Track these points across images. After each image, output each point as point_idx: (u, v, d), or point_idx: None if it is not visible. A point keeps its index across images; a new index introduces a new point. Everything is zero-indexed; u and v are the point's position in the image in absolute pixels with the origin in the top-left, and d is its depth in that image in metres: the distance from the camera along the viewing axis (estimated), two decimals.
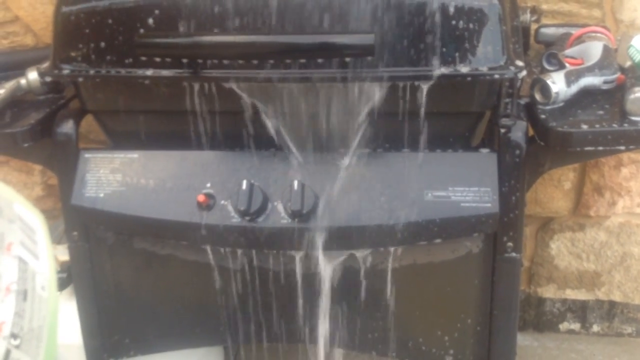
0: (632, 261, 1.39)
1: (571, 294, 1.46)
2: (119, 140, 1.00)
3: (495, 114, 0.90)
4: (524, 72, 0.85)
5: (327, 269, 0.95)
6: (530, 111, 0.91)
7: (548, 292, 1.46)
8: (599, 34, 1.00)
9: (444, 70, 0.84)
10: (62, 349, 1.15)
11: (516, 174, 0.90)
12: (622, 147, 0.87)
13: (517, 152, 0.89)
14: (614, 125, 0.86)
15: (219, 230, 0.92)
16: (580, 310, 1.48)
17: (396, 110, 0.88)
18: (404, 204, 0.90)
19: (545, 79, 0.89)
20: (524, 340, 1.48)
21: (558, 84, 0.89)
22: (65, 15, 0.88)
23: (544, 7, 1.20)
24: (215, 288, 1.01)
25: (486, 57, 0.84)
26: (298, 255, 0.96)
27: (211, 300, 1.02)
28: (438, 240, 0.92)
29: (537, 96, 0.91)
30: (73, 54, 0.89)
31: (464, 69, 0.84)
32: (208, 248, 0.96)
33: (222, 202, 0.92)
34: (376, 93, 0.86)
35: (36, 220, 0.65)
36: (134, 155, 0.95)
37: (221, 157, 0.94)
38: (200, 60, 0.85)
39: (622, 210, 1.35)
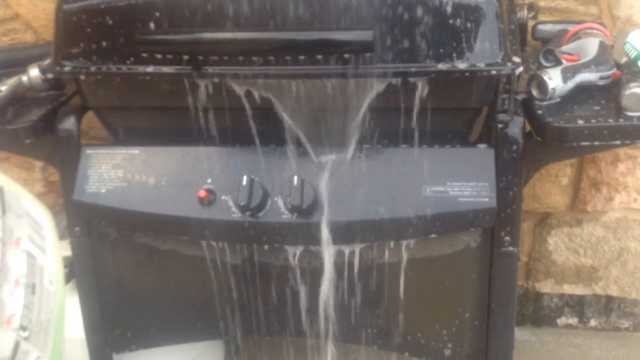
0: (629, 256, 1.40)
1: (569, 289, 1.47)
2: (121, 136, 1.00)
3: (493, 110, 0.91)
4: (521, 69, 0.86)
5: (326, 263, 0.96)
6: (527, 107, 0.92)
7: (546, 287, 1.47)
8: (595, 31, 1.01)
9: (441, 66, 0.84)
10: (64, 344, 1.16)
11: (513, 169, 0.91)
12: (618, 142, 0.87)
13: (514, 147, 0.90)
14: (610, 120, 0.87)
15: (220, 225, 0.93)
16: (578, 305, 1.49)
17: (394, 106, 0.88)
18: (403, 198, 0.91)
19: (542, 75, 0.90)
20: (522, 335, 1.49)
21: (555, 80, 0.90)
22: (67, 13, 0.89)
23: (541, 3, 1.21)
24: (215, 283, 1.01)
25: (484, 53, 0.85)
26: (298, 250, 0.97)
27: (212, 294, 1.03)
28: (436, 235, 0.93)
29: (534, 92, 0.92)
30: (74, 51, 0.90)
31: (461, 65, 0.84)
32: (209, 243, 0.97)
33: (223, 197, 0.93)
34: (375, 89, 0.87)
35: (43, 216, 0.66)
36: (135, 151, 0.96)
37: (222, 153, 0.95)
38: (200, 57, 0.85)
39: (619, 205, 1.36)
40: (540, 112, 0.89)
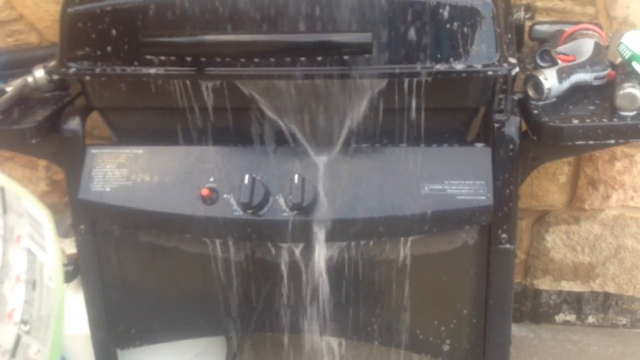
0: (626, 253, 1.42)
1: (566, 286, 1.48)
2: (125, 136, 1.02)
3: (490, 110, 0.92)
4: (517, 69, 0.87)
5: (326, 260, 0.98)
6: (524, 107, 0.93)
7: (544, 284, 1.48)
8: (590, 32, 1.02)
9: (439, 67, 0.86)
10: (69, 340, 1.17)
11: (510, 168, 0.93)
12: (612, 141, 0.89)
13: (511, 146, 0.92)
14: (604, 120, 0.88)
15: (222, 222, 0.94)
16: (576, 302, 1.50)
17: (393, 106, 0.90)
18: (401, 197, 0.92)
19: (538, 76, 0.92)
20: (521, 332, 1.50)
21: (550, 80, 0.91)
22: (72, 15, 0.90)
23: (538, 4, 1.22)
24: (218, 279, 1.03)
25: (480, 54, 0.86)
26: (298, 247, 0.98)
27: (214, 291, 1.04)
28: (434, 232, 0.95)
29: (530, 92, 0.93)
30: (79, 53, 0.92)
31: (458, 66, 0.86)
32: (211, 240, 0.99)
33: (225, 195, 0.94)
34: (374, 89, 0.89)
35: (43, 216, 0.68)
36: (139, 150, 0.98)
37: (224, 153, 0.96)
38: (203, 59, 0.87)
39: (616, 203, 1.37)
40: (536, 111, 0.91)
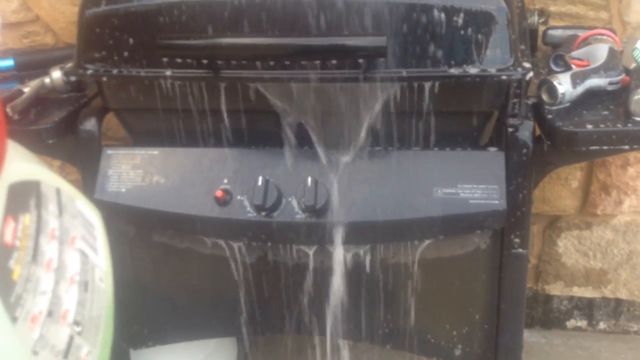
0: (638, 259, 1.41)
1: (578, 292, 1.47)
2: (140, 137, 1.03)
3: (503, 114, 0.92)
4: (531, 74, 0.87)
5: (339, 263, 0.98)
6: (537, 111, 0.93)
7: (555, 289, 1.48)
8: (605, 37, 1.02)
9: (453, 71, 0.86)
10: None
11: (523, 172, 0.93)
12: (627, 147, 0.89)
13: (524, 150, 0.92)
14: (619, 125, 0.88)
15: (236, 224, 0.95)
16: (587, 308, 1.49)
17: (407, 109, 0.90)
18: (414, 200, 0.92)
19: (552, 80, 0.92)
20: (532, 337, 1.50)
21: (564, 85, 0.91)
22: (90, 17, 0.92)
23: (552, 9, 1.22)
24: (230, 281, 1.03)
25: (495, 58, 0.86)
26: (311, 249, 0.99)
27: (227, 292, 1.05)
28: (447, 236, 0.95)
29: (544, 97, 0.93)
30: (97, 55, 0.93)
31: (472, 70, 0.86)
32: (225, 242, 0.99)
33: (239, 197, 0.95)
34: (387, 93, 0.89)
35: (94, 217, 0.69)
36: (155, 152, 0.98)
37: (238, 154, 0.97)
38: (219, 61, 0.88)
39: (628, 209, 1.37)
40: (550, 116, 0.91)
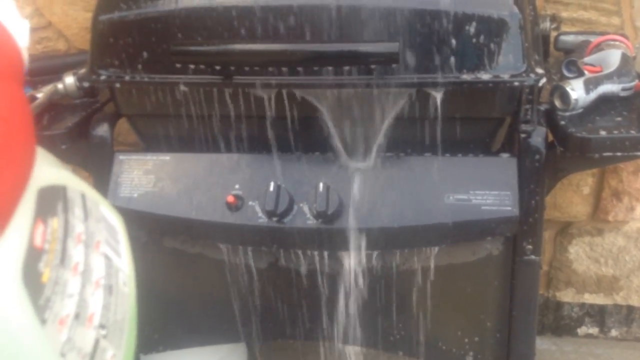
0: None
1: (589, 299, 1.46)
2: (152, 143, 1.03)
3: (516, 120, 0.92)
4: (544, 80, 0.87)
5: (350, 269, 0.98)
6: (550, 117, 0.93)
7: (566, 296, 1.47)
8: (617, 42, 1.02)
9: (466, 77, 0.86)
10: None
11: (536, 179, 0.92)
12: None
13: (537, 157, 0.91)
14: (632, 131, 0.87)
15: (247, 230, 0.95)
16: (599, 315, 1.49)
17: (418, 115, 0.90)
18: (426, 206, 0.92)
19: (564, 86, 0.91)
20: (543, 344, 1.49)
21: (577, 91, 0.91)
22: (103, 23, 0.92)
23: (564, 14, 1.22)
24: (241, 286, 1.04)
25: (507, 64, 0.86)
26: (322, 256, 0.99)
27: (238, 297, 1.05)
28: (459, 242, 0.95)
29: (557, 103, 0.93)
30: (109, 61, 0.93)
31: (485, 76, 0.86)
32: (236, 247, 0.99)
33: (250, 203, 0.95)
34: (400, 99, 0.89)
35: (117, 221, 0.69)
36: (166, 157, 0.99)
37: (249, 160, 0.97)
38: (232, 67, 0.88)
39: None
40: (562, 122, 0.90)
